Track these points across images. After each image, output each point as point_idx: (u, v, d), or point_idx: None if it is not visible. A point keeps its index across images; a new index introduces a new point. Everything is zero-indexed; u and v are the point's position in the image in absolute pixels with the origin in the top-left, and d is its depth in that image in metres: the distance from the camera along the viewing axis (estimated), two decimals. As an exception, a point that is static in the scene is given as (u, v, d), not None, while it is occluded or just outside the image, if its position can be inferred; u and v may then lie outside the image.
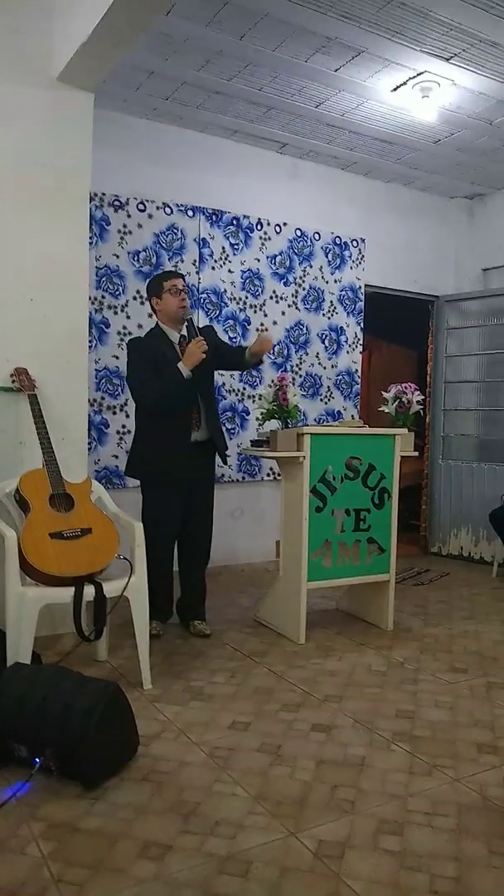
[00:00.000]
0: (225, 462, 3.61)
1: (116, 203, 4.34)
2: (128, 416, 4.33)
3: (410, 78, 3.83)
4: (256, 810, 1.99)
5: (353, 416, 5.34)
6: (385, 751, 2.37)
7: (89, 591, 2.69)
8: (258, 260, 4.88)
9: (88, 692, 2.12)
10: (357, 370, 5.40)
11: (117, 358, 4.29)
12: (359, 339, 5.38)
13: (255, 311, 4.89)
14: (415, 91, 3.92)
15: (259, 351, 3.43)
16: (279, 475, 3.74)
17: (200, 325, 4.38)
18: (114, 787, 2.10)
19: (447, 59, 3.63)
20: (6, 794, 2.03)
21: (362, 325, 5.39)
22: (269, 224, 4.91)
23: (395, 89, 3.96)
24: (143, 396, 3.36)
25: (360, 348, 5.42)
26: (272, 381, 3.56)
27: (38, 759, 2.08)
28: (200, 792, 2.08)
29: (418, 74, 3.79)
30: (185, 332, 3.39)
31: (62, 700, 2.09)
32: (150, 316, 4.09)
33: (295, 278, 5.04)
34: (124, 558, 2.84)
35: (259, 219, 4.87)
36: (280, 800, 2.05)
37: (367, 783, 2.15)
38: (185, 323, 3.37)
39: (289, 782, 2.15)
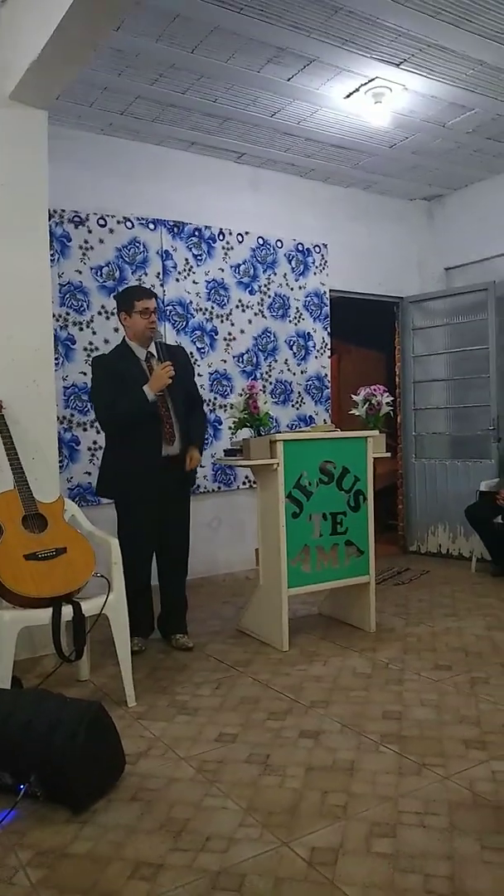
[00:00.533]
0: (193, 483, 3.62)
1: (77, 219, 4.32)
2: (98, 432, 4.29)
3: (362, 84, 3.88)
4: (247, 822, 1.97)
5: (325, 420, 5.37)
6: (374, 753, 2.36)
7: (67, 612, 2.65)
8: (222, 270, 4.89)
9: (70, 714, 2.08)
10: (326, 374, 5.43)
11: (85, 374, 4.26)
12: (326, 344, 5.42)
13: (222, 321, 4.89)
14: (367, 97, 3.97)
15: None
16: (255, 483, 3.73)
17: (170, 342, 4.41)
18: (102, 809, 2.06)
19: (397, 65, 3.68)
20: (-9, 823, 1.99)
21: (329, 329, 5.42)
22: (231, 234, 4.92)
23: (348, 96, 4.00)
24: (104, 418, 3.41)
25: (329, 353, 5.45)
26: (242, 390, 3.56)
27: (22, 786, 2.04)
28: (190, 808, 2.06)
29: (370, 81, 3.84)
30: (153, 349, 3.39)
31: (44, 723, 2.06)
32: (117, 331, 4.09)
33: (260, 286, 5.06)
34: (101, 576, 2.80)
35: (221, 229, 4.88)
36: (271, 810, 2.03)
37: (358, 787, 2.14)
38: (154, 344, 3.37)
39: (279, 791, 2.13)
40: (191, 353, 4.64)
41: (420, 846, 1.83)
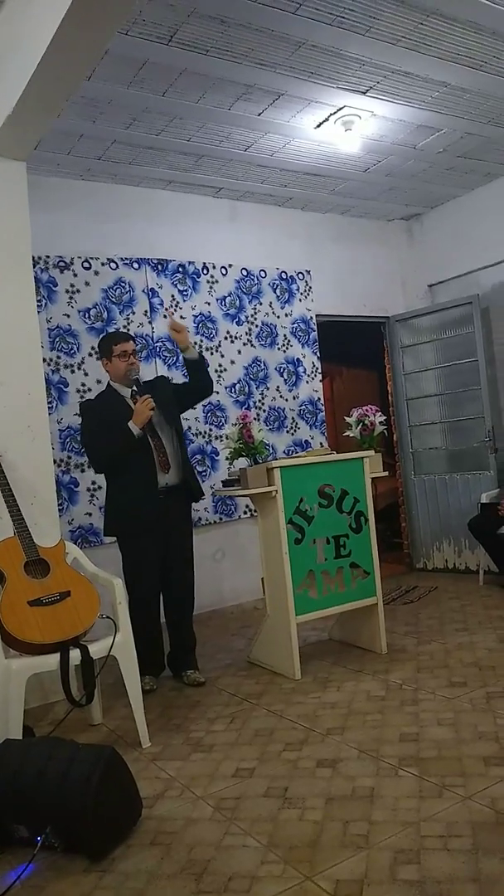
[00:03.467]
0: (196, 500, 3.62)
1: (61, 264, 4.38)
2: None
3: (331, 114, 3.96)
4: (269, 859, 1.94)
5: (321, 443, 5.38)
6: (393, 778, 2.33)
7: (75, 655, 2.64)
8: (208, 303, 4.94)
9: (83, 760, 2.05)
10: (319, 398, 5.45)
11: (79, 416, 4.27)
12: (317, 368, 5.45)
13: (212, 353, 4.93)
14: (337, 126, 4.05)
15: (175, 339, 3.60)
16: (255, 512, 3.73)
17: (157, 375, 4.44)
18: (121, 856, 2.03)
19: (364, 93, 3.76)
20: (9, 878, 1.95)
21: (318, 353, 5.46)
22: (214, 267, 4.99)
23: (318, 126, 4.09)
24: (95, 460, 3.50)
25: (320, 377, 5.49)
26: (236, 420, 3.58)
27: (39, 838, 2.01)
28: (211, 848, 2.03)
29: (338, 110, 3.92)
30: (135, 387, 3.44)
31: (57, 772, 2.03)
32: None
33: (246, 317, 5.11)
34: (107, 617, 2.79)
35: (204, 263, 4.95)
36: (292, 844, 2.00)
37: (379, 814, 2.11)
38: (133, 384, 3.42)
39: (299, 825, 2.10)
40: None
41: (446, 870, 1.80)
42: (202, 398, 3.83)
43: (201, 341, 4.89)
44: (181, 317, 4.81)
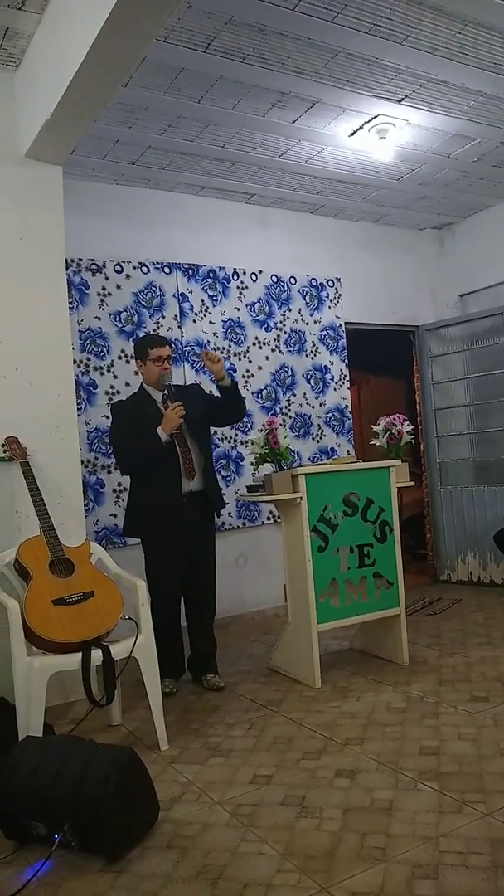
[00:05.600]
0: (218, 516, 3.63)
1: (94, 267, 4.43)
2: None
3: (366, 122, 3.95)
4: (285, 867, 1.93)
5: (347, 451, 5.36)
6: (412, 791, 2.31)
7: (97, 655, 2.66)
8: (237, 309, 4.96)
9: (102, 761, 2.07)
10: (346, 406, 5.44)
11: (107, 418, 4.31)
12: (345, 376, 5.44)
13: (240, 359, 4.94)
14: (371, 134, 4.04)
15: (211, 369, 3.49)
16: (279, 517, 3.73)
17: (187, 382, 4.47)
18: (137, 858, 2.03)
19: (399, 101, 3.75)
20: (26, 874, 1.97)
21: (346, 361, 5.45)
22: (244, 273, 5.00)
23: (352, 134, 4.09)
24: (122, 462, 3.51)
25: (348, 384, 5.47)
26: (262, 426, 3.58)
27: (56, 836, 2.03)
28: (226, 854, 2.02)
29: (373, 118, 3.91)
30: (167, 392, 3.46)
31: (75, 772, 2.04)
32: (137, 374, 4.15)
33: (275, 323, 5.12)
34: (129, 618, 2.81)
35: (235, 269, 4.97)
36: (309, 854, 1.99)
37: (397, 827, 2.09)
38: (166, 389, 3.44)
39: (316, 835, 2.09)
40: (210, 392, 4.69)
41: (464, 887, 1.78)
42: (234, 422, 3.96)
43: (229, 346, 4.90)
44: (210, 322, 4.83)
